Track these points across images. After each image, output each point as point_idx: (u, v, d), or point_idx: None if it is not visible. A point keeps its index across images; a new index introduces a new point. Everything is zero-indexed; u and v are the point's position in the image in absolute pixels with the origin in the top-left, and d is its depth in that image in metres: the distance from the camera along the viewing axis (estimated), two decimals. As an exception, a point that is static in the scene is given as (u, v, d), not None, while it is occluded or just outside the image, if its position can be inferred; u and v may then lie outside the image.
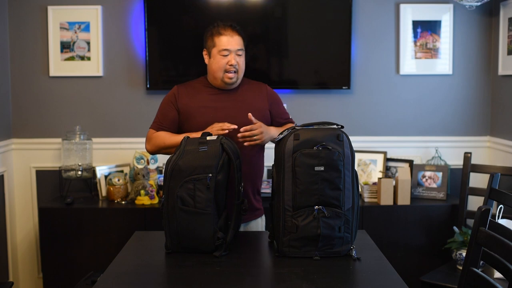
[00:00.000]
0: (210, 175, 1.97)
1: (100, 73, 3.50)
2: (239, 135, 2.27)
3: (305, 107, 3.56)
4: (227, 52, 2.40)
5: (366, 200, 3.27)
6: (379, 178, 3.23)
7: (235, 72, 2.41)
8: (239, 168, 2.11)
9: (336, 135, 1.98)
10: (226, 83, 2.43)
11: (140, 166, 3.30)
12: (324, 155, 1.94)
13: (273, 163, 2.10)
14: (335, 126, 2.03)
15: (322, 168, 1.93)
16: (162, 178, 3.33)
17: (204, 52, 2.49)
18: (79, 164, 3.35)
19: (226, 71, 2.40)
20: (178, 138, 2.35)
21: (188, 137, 2.12)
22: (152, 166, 3.36)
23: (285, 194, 1.96)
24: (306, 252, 1.96)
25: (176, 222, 1.99)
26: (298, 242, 1.95)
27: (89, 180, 3.44)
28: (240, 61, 2.43)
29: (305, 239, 1.95)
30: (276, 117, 2.56)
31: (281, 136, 2.02)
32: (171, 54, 3.47)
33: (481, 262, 1.99)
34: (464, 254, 2.86)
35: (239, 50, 2.42)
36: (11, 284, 2.78)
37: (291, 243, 1.96)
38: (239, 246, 2.12)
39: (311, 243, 1.95)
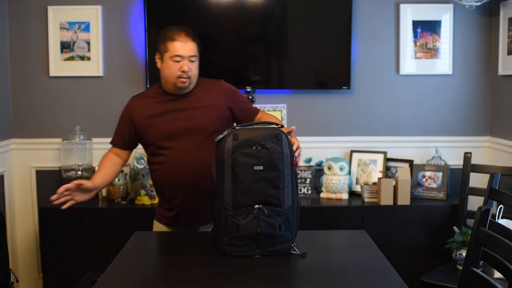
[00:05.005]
0: None
1: (100, 73, 3.50)
2: (296, 153, 2.19)
3: (305, 107, 3.56)
4: (180, 58, 2.37)
5: (366, 200, 3.27)
6: (379, 178, 3.23)
7: (187, 77, 2.39)
8: None
9: (275, 135, 1.98)
10: (179, 88, 2.41)
11: (140, 166, 3.30)
12: (263, 155, 1.95)
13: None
14: (274, 126, 2.03)
15: (261, 168, 1.94)
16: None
17: (157, 56, 2.46)
18: (79, 164, 3.35)
19: (179, 76, 2.38)
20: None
21: None
22: (152, 166, 3.36)
23: (225, 193, 1.96)
24: (247, 250, 1.97)
25: None
26: (239, 241, 1.96)
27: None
28: (192, 67, 2.39)
29: (245, 238, 1.96)
30: (238, 109, 2.50)
31: (221, 136, 2.02)
32: (171, 54, 3.47)
33: (481, 262, 1.99)
34: (464, 254, 2.86)
35: (192, 56, 2.39)
36: (11, 284, 2.78)
37: (232, 242, 1.97)
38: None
39: (251, 241, 1.96)
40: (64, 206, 2.24)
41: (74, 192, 2.24)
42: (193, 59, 2.40)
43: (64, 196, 2.22)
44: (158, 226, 2.55)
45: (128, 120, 2.48)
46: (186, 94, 2.44)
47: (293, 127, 2.23)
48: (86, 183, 2.27)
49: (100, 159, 3.47)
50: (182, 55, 2.37)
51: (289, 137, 2.21)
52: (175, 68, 2.37)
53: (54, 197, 2.20)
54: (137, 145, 2.55)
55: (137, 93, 2.59)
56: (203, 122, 2.38)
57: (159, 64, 2.45)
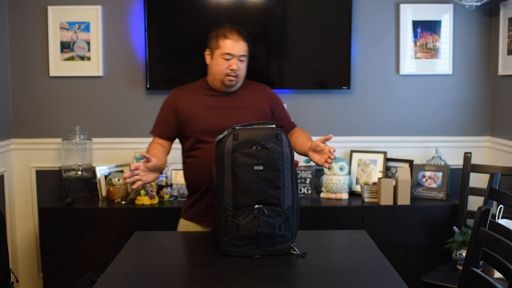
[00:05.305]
0: None
1: (100, 73, 3.50)
2: (329, 160, 2.18)
3: (305, 107, 3.56)
4: (230, 57, 2.37)
5: (366, 200, 3.27)
6: (379, 178, 3.23)
7: (235, 76, 2.40)
8: None
9: (275, 135, 1.99)
10: (226, 86, 2.42)
11: (140, 166, 3.29)
12: (263, 155, 1.95)
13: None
14: (274, 126, 2.04)
15: (261, 168, 1.95)
16: (162, 178, 3.34)
17: (207, 52, 2.47)
18: (79, 164, 3.35)
19: (227, 74, 2.39)
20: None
21: None
22: (152, 166, 3.36)
23: (225, 193, 1.97)
24: (248, 250, 1.98)
25: None
26: (239, 241, 1.97)
27: (89, 180, 3.44)
28: (241, 67, 2.41)
29: (245, 238, 1.96)
30: (278, 119, 2.54)
31: (221, 136, 2.02)
32: (171, 54, 3.47)
33: (481, 262, 1.99)
34: (464, 254, 2.86)
35: (242, 56, 2.40)
36: (11, 284, 2.78)
37: (232, 242, 1.97)
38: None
39: (252, 241, 1.97)
40: (134, 186, 2.19)
41: (142, 171, 2.18)
42: (242, 58, 2.41)
43: (134, 175, 2.16)
44: (184, 225, 2.52)
45: (172, 109, 2.45)
46: (231, 92, 2.46)
47: (331, 135, 2.21)
48: (152, 158, 2.21)
49: (98, 159, 3.50)
50: (233, 53, 2.37)
51: (324, 145, 2.19)
52: (224, 65, 2.37)
53: (127, 174, 2.15)
54: (176, 137, 2.51)
55: (180, 86, 2.55)
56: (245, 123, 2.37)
57: (208, 60, 2.46)
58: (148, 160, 2.18)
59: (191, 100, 2.45)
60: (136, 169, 2.15)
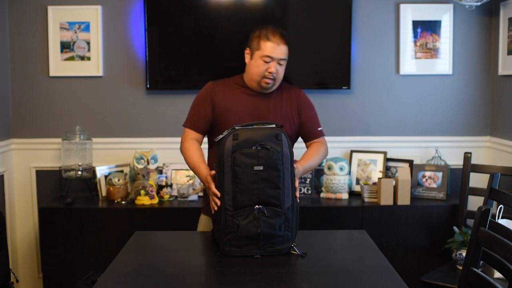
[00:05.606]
0: None
1: (100, 73, 3.50)
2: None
3: (305, 107, 3.56)
4: (270, 59, 2.36)
5: (366, 200, 3.27)
6: (379, 178, 3.23)
7: (272, 79, 2.39)
8: None
9: (275, 135, 1.99)
10: (262, 88, 2.42)
11: (140, 166, 3.30)
12: (263, 155, 1.96)
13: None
14: (273, 126, 2.04)
15: (261, 168, 1.95)
16: (162, 178, 3.34)
17: (246, 51, 2.46)
18: (79, 164, 3.35)
19: (265, 76, 2.38)
20: (196, 166, 2.30)
21: None
22: (152, 166, 3.36)
23: (225, 194, 1.97)
24: (248, 251, 1.99)
25: None
26: (239, 241, 1.98)
27: (89, 180, 3.44)
28: (280, 70, 2.40)
29: (246, 238, 1.97)
30: (305, 125, 2.51)
31: (221, 136, 2.02)
32: (171, 54, 3.47)
33: (481, 262, 1.99)
34: (464, 254, 2.86)
35: (281, 59, 2.39)
36: (11, 284, 2.78)
37: (232, 242, 1.98)
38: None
39: (252, 242, 1.98)
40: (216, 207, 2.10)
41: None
42: (282, 62, 2.40)
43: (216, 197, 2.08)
44: (205, 220, 2.51)
45: (208, 101, 2.44)
46: (266, 94, 2.45)
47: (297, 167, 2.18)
48: (212, 183, 2.10)
49: (98, 159, 3.50)
50: (273, 56, 2.36)
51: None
52: (263, 68, 2.37)
53: (217, 203, 2.03)
54: (206, 133, 2.49)
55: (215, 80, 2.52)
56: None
57: (247, 60, 2.45)
58: (212, 176, 2.13)
59: (227, 94, 2.45)
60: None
